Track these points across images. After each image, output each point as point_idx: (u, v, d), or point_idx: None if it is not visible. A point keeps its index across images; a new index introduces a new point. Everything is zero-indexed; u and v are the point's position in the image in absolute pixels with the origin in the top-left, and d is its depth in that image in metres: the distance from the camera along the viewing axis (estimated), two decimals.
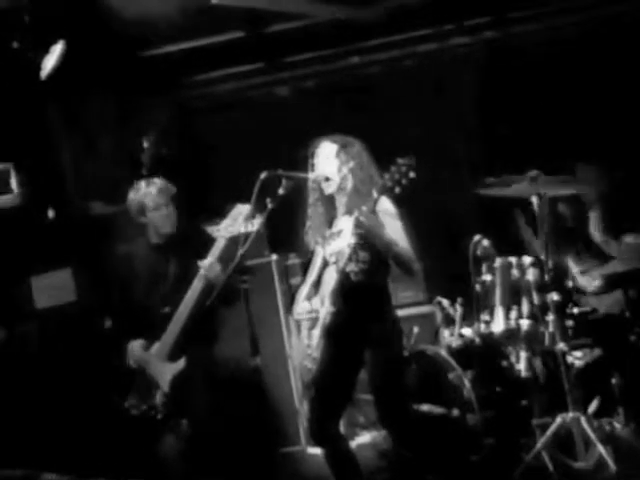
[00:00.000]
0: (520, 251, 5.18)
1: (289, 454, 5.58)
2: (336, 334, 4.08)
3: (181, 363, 4.39)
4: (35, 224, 5.80)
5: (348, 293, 4.04)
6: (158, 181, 4.65)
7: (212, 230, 4.40)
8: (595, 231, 5.27)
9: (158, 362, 4.42)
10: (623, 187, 5.27)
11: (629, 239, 5.13)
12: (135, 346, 4.48)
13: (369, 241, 3.98)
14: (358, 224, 3.92)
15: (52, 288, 5.77)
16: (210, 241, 4.40)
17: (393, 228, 4.06)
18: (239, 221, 4.22)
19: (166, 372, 4.39)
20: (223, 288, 4.28)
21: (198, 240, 4.52)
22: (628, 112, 5.99)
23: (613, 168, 5.30)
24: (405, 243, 4.07)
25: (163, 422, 4.41)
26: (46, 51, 5.30)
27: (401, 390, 4.15)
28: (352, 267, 4.01)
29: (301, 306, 4.24)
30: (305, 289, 4.28)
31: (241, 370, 4.65)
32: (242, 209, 4.23)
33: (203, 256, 4.37)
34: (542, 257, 4.70)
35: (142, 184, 4.65)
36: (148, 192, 4.59)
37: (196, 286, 4.38)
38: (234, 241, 4.29)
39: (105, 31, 5.56)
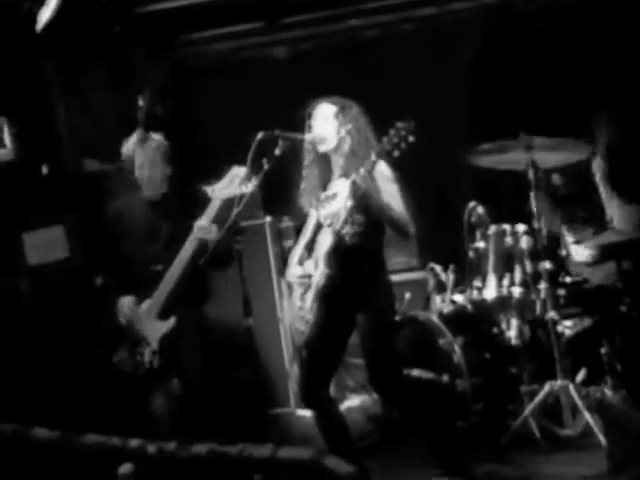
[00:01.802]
0: (514, 219, 5.17)
1: (278, 415, 5.61)
2: (330, 296, 4.09)
3: (171, 321, 4.40)
4: (28, 180, 5.77)
5: (343, 255, 4.04)
6: (154, 136, 4.61)
7: (208, 191, 4.38)
8: (599, 178, 5.23)
9: (148, 319, 4.42)
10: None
11: (633, 207, 5.12)
12: (125, 302, 4.48)
13: (365, 204, 3.97)
14: (354, 186, 3.90)
15: (44, 245, 5.75)
16: (205, 201, 4.38)
17: (389, 191, 4.05)
18: (235, 183, 4.20)
19: (156, 330, 4.40)
20: (218, 249, 4.27)
21: (193, 200, 4.50)
22: (629, 79, 5.96)
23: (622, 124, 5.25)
24: (401, 207, 4.07)
25: (150, 379, 4.42)
26: (42, 3, 5.23)
27: (392, 354, 4.16)
28: (347, 229, 4.00)
29: (294, 269, 4.24)
30: (298, 251, 4.27)
31: (233, 330, 4.65)
32: (238, 171, 4.20)
33: (198, 216, 4.35)
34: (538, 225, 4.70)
35: (140, 135, 4.61)
36: (138, 149, 4.54)
37: (189, 246, 4.37)
38: (229, 203, 4.27)
39: None
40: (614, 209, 5.15)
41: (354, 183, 3.91)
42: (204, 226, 4.32)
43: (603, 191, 5.21)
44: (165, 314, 4.42)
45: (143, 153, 4.57)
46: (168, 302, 4.41)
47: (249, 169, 4.13)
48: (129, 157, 4.62)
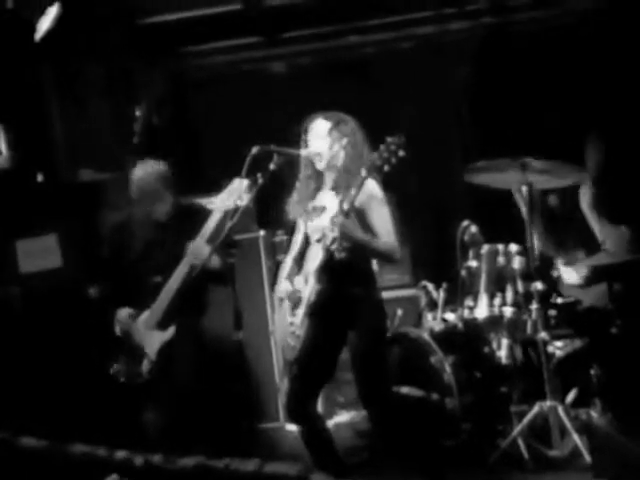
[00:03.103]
0: (507, 239, 5.19)
1: (267, 430, 5.60)
2: (320, 312, 4.08)
3: (169, 332, 4.39)
4: (23, 187, 5.77)
5: (333, 271, 4.03)
6: (156, 166, 4.60)
7: (208, 203, 4.39)
8: (587, 205, 5.25)
9: (146, 330, 4.42)
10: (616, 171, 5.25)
11: (624, 229, 5.14)
12: (123, 314, 4.48)
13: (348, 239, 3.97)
14: (332, 224, 3.90)
15: (37, 253, 5.75)
16: (206, 214, 4.39)
17: (378, 212, 4.05)
18: (235, 195, 4.20)
19: (154, 341, 4.40)
20: (212, 267, 4.30)
21: (196, 214, 4.51)
22: (624, 100, 6.00)
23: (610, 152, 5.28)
24: (388, 230, 4.05)
25: (145, 389, 4.41)
26: (42, 12, 5.25)
27: (382, 370, 4.16)
28: (336, 245, 4.00)
29: (283, 285, 4.24)
30: (287, 266, 4.27)
31: (223, 344, 4.65)
32: (239, 183, 4.21)
33: (198, 230, 4.35)
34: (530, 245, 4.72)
35: (141, 169, 4.61)
36: (146, 178, 4.54)
37: (184, 265, 4.37)
38: (230, 215, 4.28)
39: None
40: (605, 233, 5.17)
41: (332, 221, 3.90)
42: (196, 249, 4.32)
43: (591, 217, 5.23)
44: (163, 325, 4.42)
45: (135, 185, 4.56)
46: (167, 313, 4.41)
47: (250, 183, 4.14)
48: (133, 184, 4.59)
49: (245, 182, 4.16)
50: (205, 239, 4.32)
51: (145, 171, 4.58)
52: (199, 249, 4.32)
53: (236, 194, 4.21)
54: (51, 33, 5.30)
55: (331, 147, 4.13)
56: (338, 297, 4.08)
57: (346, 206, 3.89)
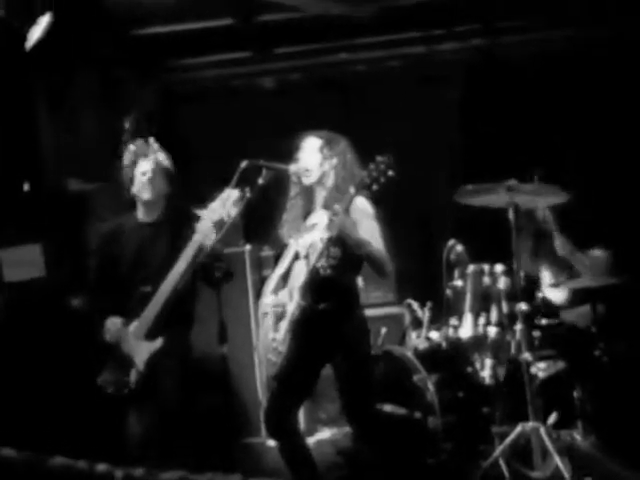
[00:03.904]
0: (493, 258, 5.20)
1: (249, 445, 5.58)
2: (303, 329, 4.08)
3: (158, 342, 4.37)
4: (9, 196, 5.74)
5: (317, 288, 4.04)
6: (156, 145, 4.55)
7: (199, 213, 4.37)
8: (559, 244, 5.30)
9: (135, 340, 4.39)
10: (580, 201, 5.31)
11: (597, 253, 5.18)
12: (112, 323, 4.45)
13: (342, 239, 3.98)
14: (330, 224, 3.91)
15: (21, 262, 5.71)
16: (196, 221, 4.37)
17: (368, 228, 4.06)
18: (227, 205, 4.20)
19: (143, 351, 4.37)
20: (209, 268, 4.28)
21: (187, 223, 4.50)
22: (610, 126, 6.06)
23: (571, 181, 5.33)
24: (379, 244, 4.07)
25: (130, 400, 4.38)
26: (33, 22, 5.25)
27: (366, 388, 4.16)
28: (322, 262, 4.01)
29: (267, 298, 4.23)
30: (273, 281, 4.27)
31: (207, 357, 4.64)
32: (230, 193, 4.20)
33: (189, 233, 4.33)
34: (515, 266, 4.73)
35: (138, 142, 4.58)
36: (142, 160, 4.49)
37: (191, 248, 4.31)
38: (220, 225, 4.26)
39: (95, 6, 5.52)
40: (584, 264, 5.20)
41: (330, 220, 3.91)
42: (205, 228, 4.26)
43: (570, 258, 5.27)
44: (152, 334, 4.39)
45: (144, 166, 4.49)
46: (156, 323, 4.38)
47: (241, 194, 4.14)
48: (126, 171, 4.55)
49: (235, 192, 4.15)
50: (212, 221, 4.28)
51: (146, 149, 4.53)
52: (209, 229, 4.28)
53: (226, 205, 4.20)
54: (42, 42, 5.29)
55: (321, 165, 4.15)
56: (322, 314, 4.08)
57: (342, 207, 3.88)
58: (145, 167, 4.49)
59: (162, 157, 4.55)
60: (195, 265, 4.30)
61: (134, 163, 4.53)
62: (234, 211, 4.16)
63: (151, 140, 4.59)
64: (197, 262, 4.29)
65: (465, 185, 4.72)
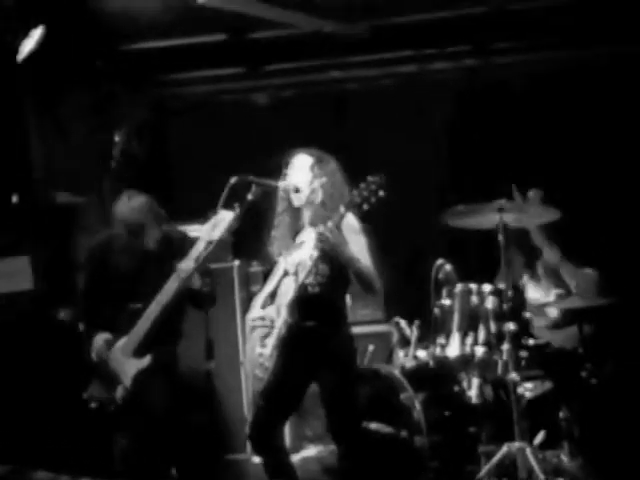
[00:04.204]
0: (482, 278, 5.21)
1: (234, 461, 5.55)
2: (290, 346, 4.08)
3: (146, 360, 4.36)
4: None
5: (305, 305, 4.03)
6: (142, 198, 4.56)
7: (194, 231, 4.38)
8: (549, 253, 5.30)
9: (123, 357, 4.38)
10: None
11: (587, 271, 5.19)
12: (100, 339, 4.43)
13: (331, 255, 3.98)
14: (322, 238, 3.91)
15: (9, 274, 5.69)
16: (191, 242, 4.37)
17: (357, 245, 4.07)
18: (220, 227, 4.20)
19: (130, 367, 4.36)
20: (197, 291, 4.29)
21: (180, 243, 4.49)
22: (599, 147, 6.10)
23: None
24: (368, 261, 4.08)
25: (116, 416, 4.36)
26: (25, 34, 5.25)
27: (352, 406, 4.15)
28: (311, 279, 4.01)
29: (254, 313, 4.23)
30: (261, 298, 4.27)
31: (194, 373, 4.62)
32: (226, 215, 4.20)
33: (181, 257, 4.33)
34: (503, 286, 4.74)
35: (126, 200, 4.57)
36: (133, 209, 4.51)
37: (170, 286, 4.34)
38: (208, 244, 4.26)
39: (87, 21, 5.53)
40: (573, 278, 5.22)
41: (321, 234, 3.92)
42: (184, 266, 4.30)
43: (560, 268, 5.28)
44: (140, 352, 4.38)
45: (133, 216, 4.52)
46: (145, 341, 4.37)
47: (237, 218, 4.14)
48: (118, 215, 4.54)
49: (231, 214, 4.15)
50: (193, 260, 4.30)
51: (130, 207, 4.54)
52: (187, 266, 4.29)
53: (221, 226, 4.20)
54: (34, 55, 5.30)
55: (311, 183, 4.15)
56: (309, 331, 4.07)
57: (332, 224, 3.88)
58: (140, 223, 4.49)
59: (148, 206, 4.53)
60: (184, 288, 4.29)
61: (122, 218, 4.53)
62: (227, 233, 4.16)
63: (134, 193, 4.58)
64: (186, 286, 4.28)
65: (455, 206, 4.73)
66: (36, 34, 5.25)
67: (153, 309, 4.34)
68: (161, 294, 4.33)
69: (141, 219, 4.52)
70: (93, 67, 6.06)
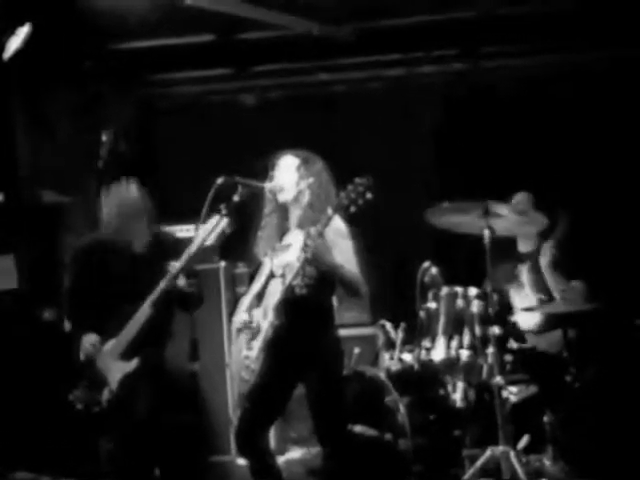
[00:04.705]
0: (468, 281, 5.22)
1: (218, 463, 5.54)
2: (277, 348, 4.07)
3: (134, 363, 4.34)
4: None
5: (292, 307, 4.02)
6: (136, 188, 4.53)
7: (180, 232, 4.36)
8: (545, 263, 5.32)
9: (110, 359, 4.36)
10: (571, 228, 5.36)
11: (574, 284, 5.22)
12: (88, 340, 4.40)
13: (316, 263, 3.97)
14: (304, 249, 3.90)
15: None
16: (179, 243, 4.35)
17: (343, 248, 4.06)
18: (214, 233, 4.18)
19: (117, 370, 4.33)
20: (184, 293, 4.27)
21: (168, 242, 4.47)
22: (590, 152, 6.12)
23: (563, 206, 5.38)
24: (353, 265, 4.07)
25: (101, 418, 4.34)
26: (12, 32, 5.23)
27: (338, 408, 4.14)
28: (298, 281, 4.00)
29: (241, 316, 4.22)
30: (247, 299, 4.26)
31: (179, 374, 4.60)
32: (220, 222, 4.18)
33: (172, 257, 4.31)
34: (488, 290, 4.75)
35: (121, 189, 4.54)
36: (128, 199, 4.47)
37: (159, 289, 4.31)
38: (204, 250, 4.25)
39: (75, 19, 5.50)
40: (560, 288, 5.23)
41: (305, 245, 3.91)
42: (172, 268, 4.28)
43: (547, 273, 5.30)
44: (127, 354, 4.36)
45: (132, 214, 4.47)
46: (133, 343, 4.35)
47: (230, 224, 4.13)
48: (110, 206, 4.50)
49: (225, 220, 4.14)
50: (182, 264, 4.28)
51: (128, 191, 4.50)
52: (173, 267, 4.28)
53: (215, 231, 4.18)
54: (20, 53, 5.27)
55: (297, 184, 4.15)
56: (296, 333, 4.06)
57: (317, 230, 3.88)
58: (133, 214, 4.45)
59: (143, 198, 4.51)
60: (170, 288, 4.28)
61: (116, 205, 4.49)
62: (220, 239, 4.16)
63: (129, 181, 4.54)
64: (171, 286, 4.27)
65: (441, 203, 4.73)
66: (23, 32, 5.22)
67: (142, 312, 4.32)
68: (151, 297, 4.31)
69: (138, 204, 4.48)
70: (80, 66, 6.04)
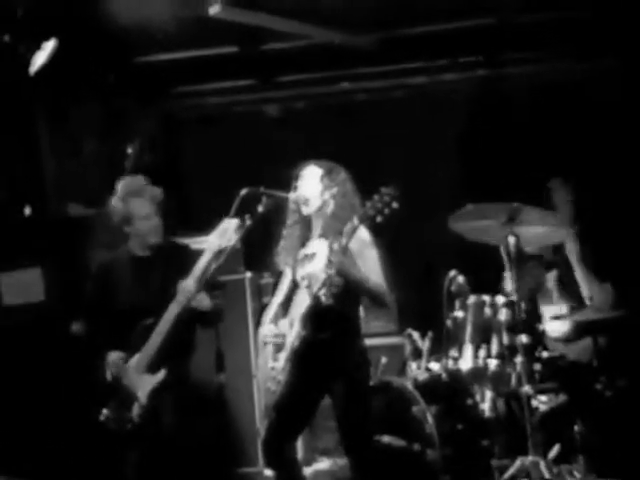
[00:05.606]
0: (495, 289, 5.18)
1: (246, 475, 5.53)
2: (304, 359, 4.06)
3: (160, 375, 4.32)
4: (10, 220, 5.74)
5: (319, 318, 4.01)
6: (147, 185, 4.52)
7: (199, 242, 4.36)
8: (575, 260, 5.27)
9: (137, 374, 4.34)
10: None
11: (604, 286, 5.16)
12: (114, 357, 4.39)
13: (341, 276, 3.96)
14: (329, 264, 3.89)
15: (21, 286, 5.71)
16: (195, 255, 4.34)
17: (368, 257, 4.05)
18: (227, 235, 4.18)
19: (145, 384, 4.31)
20: (201, 312, 4.27)
21: (184, 254, 4.47)
22: (612, 157, 6.07)
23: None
24: (378, 275, 4.05)
25: (134, 434, 4.32)
26: (38, 47, 5.28)
27: (365, 420, 4.12)
28: (324, 291, 3.98)
29: (267, 328, 4.21)
30: (272, 311, 4.25)
31: (205, 385, 4.60)
32: (230, 223, 4.19)
33: (188, 270, 4.30)
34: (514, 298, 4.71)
35: (129, 179, 4.54)
36: (137, 199, 4.46)
37: (175, 305, 4.31)
38: (216, 255, 4.25)
39: (100, 33, 5.55)
40: (592, 288, 5.18)
41: (329, 260, 3.89)
42: (185, 287, 4.27)
43: (579, 272, 5.25)
44: (153, 367, 4.35)
45: (136, 204, 4.45)
46: (157, 356, 4.34)
47: (241, 223, 4.13)
48: (118, 207, 4.51)
49: (234, 222, 4.15)
50: (195, 278, 4.28)
51: (131, 179, 4.50)
52: (188, 287, 4.28)
53: (226, 234, 4.19)
54: (46, 68, 5.32)
55: (321, 194, 4.15)
56: (322, 344, 4.05)
57: (341, 245, 3.87)
58: (145, 209, 4.44)
59: (156, 192, 4.51)
60: (188, 309, 4.27)
61: (125, 200, 4.47)
62: (234, 239, 4.15)
63: (141, 177, 4.55)
64: (189, 307, 4.26)
65: (465, 206, 4.70)
66: (48, 47, 5.27)
67: (164, 324, 4.31)
68: (170, 310, 4.30)
69: (142, 184, 4.45)
70: (105, 80, 6.09)
